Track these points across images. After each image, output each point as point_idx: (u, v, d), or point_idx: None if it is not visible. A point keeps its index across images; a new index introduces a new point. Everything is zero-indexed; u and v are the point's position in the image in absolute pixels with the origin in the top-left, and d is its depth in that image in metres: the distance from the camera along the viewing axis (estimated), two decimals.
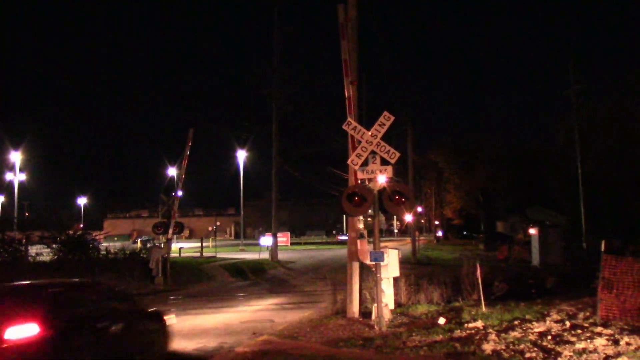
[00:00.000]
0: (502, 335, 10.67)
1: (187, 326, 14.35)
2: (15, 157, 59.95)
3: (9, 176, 63.01)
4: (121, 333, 9.09)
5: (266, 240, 41.57)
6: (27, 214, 57.78)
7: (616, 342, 9.74)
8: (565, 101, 42.19)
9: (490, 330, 11.22)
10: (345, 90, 14.36)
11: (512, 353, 9.43)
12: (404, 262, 23.14)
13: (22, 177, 63.14)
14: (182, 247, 45.49)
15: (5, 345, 6.77)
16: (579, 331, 10.75)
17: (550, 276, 20.15)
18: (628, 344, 9.61)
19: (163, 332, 10.50)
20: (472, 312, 13.35)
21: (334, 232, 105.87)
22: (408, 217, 44.24)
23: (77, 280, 12.35)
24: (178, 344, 11.39)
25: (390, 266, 13.99)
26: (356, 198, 12.62)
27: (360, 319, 13.66)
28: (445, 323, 12.28)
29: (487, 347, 9.80)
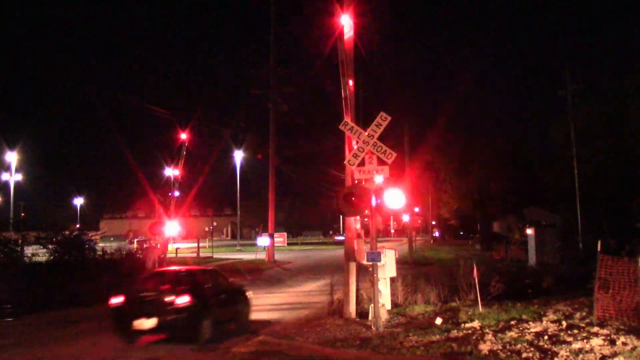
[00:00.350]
0: (499, 335, 10.69)
1: None
2: (11, 157, 59.81)
3: (4, 176, 62.79)
4: (227, 301, 14.07)
5: (263, 240, 41.52)
6: (22, 214, 57.63)
7: (612, 342, 9.77)
8: (561, 101, 42.20)
9: (487, 330, 11.23)
10: (342, 91, 14.36)
11: (509, 353, 9.44)
12: (400, 263, 23.10)
13: (18, 177, 62.98)
14: (179, 248, 45.43)
15: (176, 307, 11.92)
16: (576, 331, 10.78)
17: (547, 276, 20.17)
18: (624, 343, 9.64)
19: (247, 304, 15.06)
20: (469, 312, 13.36)
21: (331, 232, 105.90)
22: (405, 218, 44.09)
23: (204, 267, 18.77)
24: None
25: (387, 266, 13.99)
26: (353, 198, 12.63)
27: (357, 319, 13.66)
28: (442, 323, 12.29)
29: (484, 347, 9.80)
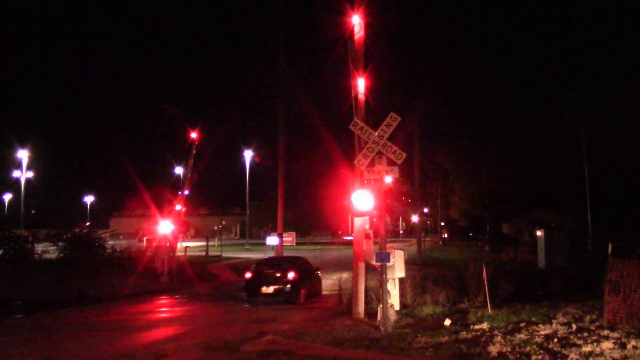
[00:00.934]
0: (508, 337, 10.64)
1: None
2: (22, 154, 60.11)
3: (15, 174, 63.15)
4: (311, 278, 20.58)
5: (272, 239, 41.52)
6: (33, 211, 57.94)
7: (623, 346, 9.70)
8: (571, 102, 42.02)
9: (496, 332, 11.18)
10: (352, 91, 14.34)
11: (518, 355, 9.39)
12: (409, 263, 23.12)
13: (29, 175, 63.30)
14: (188, 246, 45.56)
15: (289, 279, 18.55)
16: (586, 334, 10.70)
17: (556, 278, 20.08)
18: (635, 347, 9.57)
19: (319, 281, 21.68)
20: (478, 314, 13.31)
21: (340, 232, 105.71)
22: (414, 218, 43.92)
23: (298, 256, 24.13)
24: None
25: (396, 267, 13.95)
26: (362, 199, 12.61)
27: (366, 320, 13.63)
28: (451, 324, 12.24)
29: (493, 349, 9.76)
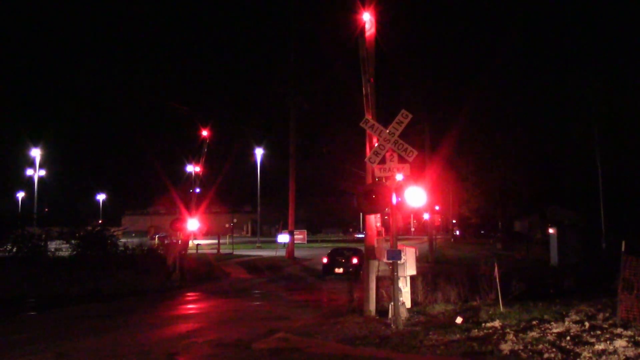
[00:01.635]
0: (520, 335, 10.59)
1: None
2: (35, 153, 60.55)
3: (29, 172, 63.64)
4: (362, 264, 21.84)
5: (283, 237, 41.67)
6: (46, 209, 58.35)
7: (636, 344, 9.62)
8: (584, 99, 41.70)
9: (508, 330, 11.13)
10: (363, 88, 14.32)
11: (530, 353, 9.35)
12: (420, 261, 23.14)
13: (42, 173, 63.75)
14: (199, 244, 45.70)
15: (353, 264, 26.07)
16: (598, 332, 10.63)
17: (569, 276, 19.96)
18: None
19: None
20: (490, 312, 13.26)
21: (351, 230, 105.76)
22: (425, 216, 43.77)
23: (354, 246, 30.78)
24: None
25: (407, 265, 13.93)
26: (373, 196, 12.59)
27: (377, 318, 13.61)
28: (463, 322, 12.20)
29: (505, 347, 9.72)
